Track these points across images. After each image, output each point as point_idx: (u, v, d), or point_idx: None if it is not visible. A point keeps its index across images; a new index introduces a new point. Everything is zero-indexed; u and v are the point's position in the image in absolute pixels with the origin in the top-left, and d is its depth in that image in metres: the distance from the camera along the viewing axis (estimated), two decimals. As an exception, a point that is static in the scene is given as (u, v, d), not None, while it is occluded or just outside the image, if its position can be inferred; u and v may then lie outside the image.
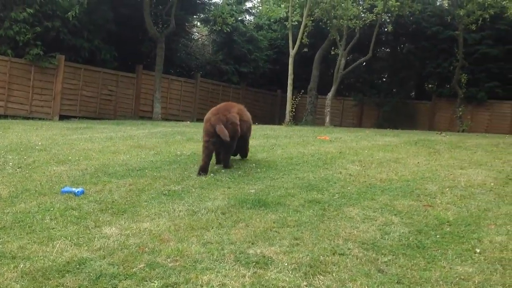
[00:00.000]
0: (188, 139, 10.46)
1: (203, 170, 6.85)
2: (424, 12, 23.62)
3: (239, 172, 7.03)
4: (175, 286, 3.50)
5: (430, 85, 25.08)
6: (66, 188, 5.81)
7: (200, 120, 21.70)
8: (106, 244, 4.17)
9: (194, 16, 25.06)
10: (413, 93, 27.87)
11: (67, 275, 3.62)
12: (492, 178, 7.18)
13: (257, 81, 26.43)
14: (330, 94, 21.29)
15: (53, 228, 4.58)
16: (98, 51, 18.88)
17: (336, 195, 6.00)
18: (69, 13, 16.68)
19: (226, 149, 7.23)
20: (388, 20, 23.63)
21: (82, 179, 6.44)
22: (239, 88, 24.96)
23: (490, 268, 4.00)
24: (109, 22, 19.20)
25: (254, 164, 7.61)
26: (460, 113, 22.07)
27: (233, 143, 7.24)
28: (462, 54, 21.93)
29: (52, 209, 5.13)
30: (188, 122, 19.13)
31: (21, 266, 3.72)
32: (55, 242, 4.20)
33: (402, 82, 26.41)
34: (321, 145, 10.29)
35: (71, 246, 4.15)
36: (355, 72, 25.39)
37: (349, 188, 6.35)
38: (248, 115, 7.81)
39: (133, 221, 4.83)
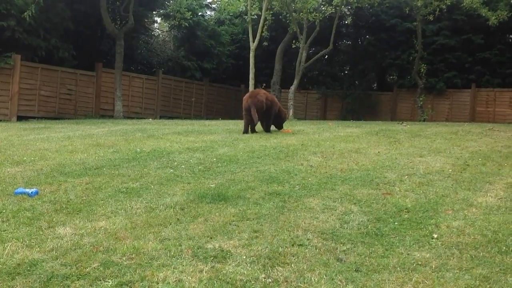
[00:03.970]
0: (148, 136, 10.31)
1: (245, 131, 10.98)
2: (383, 4, 23.87)
3: (200, 167, 6.95)
4: (129, 284, 3.41)
5: (391, 76, 25.42)
6: (20, 189, 5.62)
7: (163, 117, 21.59)
8: (59, 245, 4.05)
9: (154, 12, 24.74)
10: (375, 85, 28.22)
11: (17, 277, 3.49)
12: (450, 165, 7.28)
13: (220, 76, 26.29)
14: (292, 88, 21.30)
15: (5, 230, 4.42)
16: (56, 50, 18.42)
17: (297, 186, 5.98)
18: (25, 13, 16.14)
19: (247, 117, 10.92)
20: (348, 13, 23.78)
21: (37, 179, 6.25)
22: (202, 84, 24.76)
23: (447, 252, 4.03)
24: (66, 20, 18.75)
25: (215, 159, 7.54)
26: (421, 103, 22.45)
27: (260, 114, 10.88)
28: (421, 45, 22.27)
29: (4, 211, 4.95)
30: (150, 119, 18.90)
31: (-32, 270, 3.58)
32: (5, 244, 4.05)
33: (363, 74, 26.71)
34: (284, 138, 10.28)
35: (23, 247, 4.01)
36: (317, 65, 25.53)
37: (310, 179, 6.34)
38: (274, 99, 11.48)
39: (88, 220, 4.70)
